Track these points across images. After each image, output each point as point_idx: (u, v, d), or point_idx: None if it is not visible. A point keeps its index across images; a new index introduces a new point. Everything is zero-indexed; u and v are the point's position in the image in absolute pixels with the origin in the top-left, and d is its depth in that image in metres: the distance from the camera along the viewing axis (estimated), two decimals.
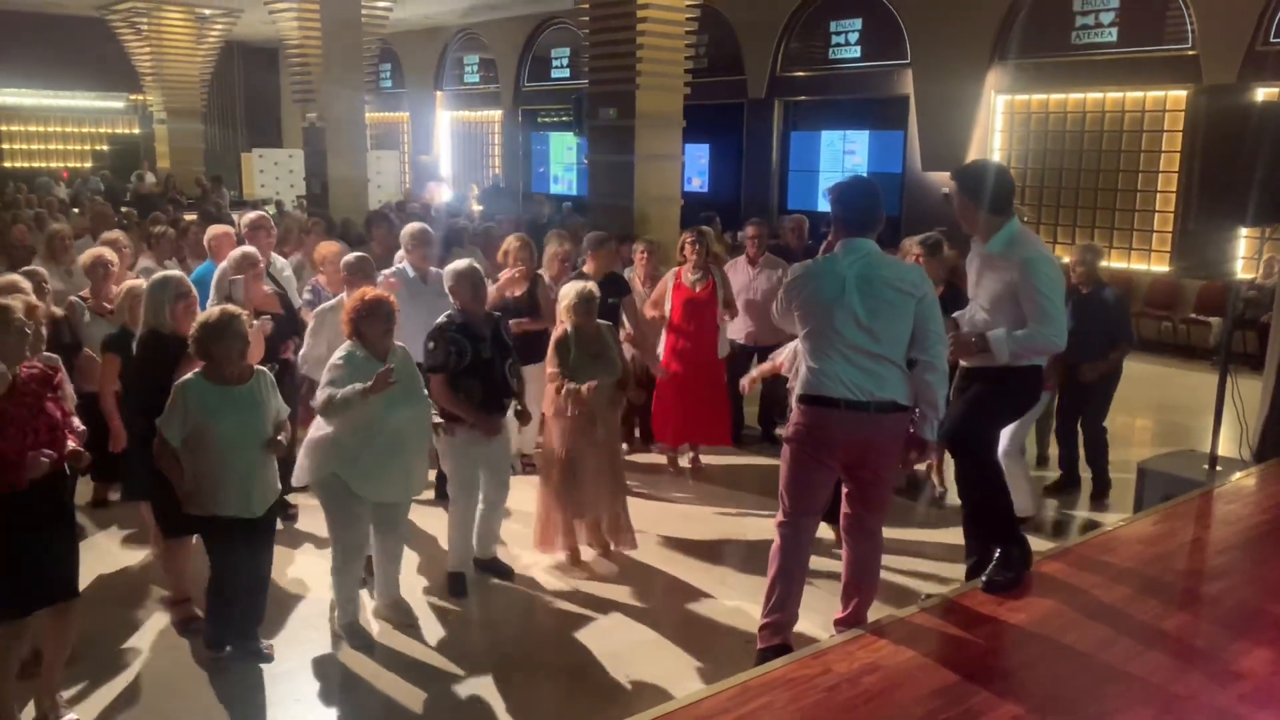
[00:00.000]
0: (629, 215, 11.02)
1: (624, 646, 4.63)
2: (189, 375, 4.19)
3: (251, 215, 6.84)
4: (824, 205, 15.63)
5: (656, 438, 7.14)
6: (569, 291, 5.44)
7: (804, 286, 3.98)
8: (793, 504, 4.05)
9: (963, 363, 4.26)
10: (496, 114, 21.86)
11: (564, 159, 20.95)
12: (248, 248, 6.01)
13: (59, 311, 5.70)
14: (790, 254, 7.97)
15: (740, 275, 7.41)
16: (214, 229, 6.99)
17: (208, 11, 19.13)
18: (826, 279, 3.92)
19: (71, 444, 3.80)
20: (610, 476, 5.53)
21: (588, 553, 5.62)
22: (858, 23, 15.28)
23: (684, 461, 7.17)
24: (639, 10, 10.68)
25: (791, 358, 5.45)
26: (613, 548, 5.63)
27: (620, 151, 11.22)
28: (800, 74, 16.17)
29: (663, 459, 7.20)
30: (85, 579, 5.14)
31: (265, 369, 4.45)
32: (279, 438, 4.30)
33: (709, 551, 5.75)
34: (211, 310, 4.23)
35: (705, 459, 7.23)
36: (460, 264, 5.24)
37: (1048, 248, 4.35)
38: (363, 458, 4.43)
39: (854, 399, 3.83)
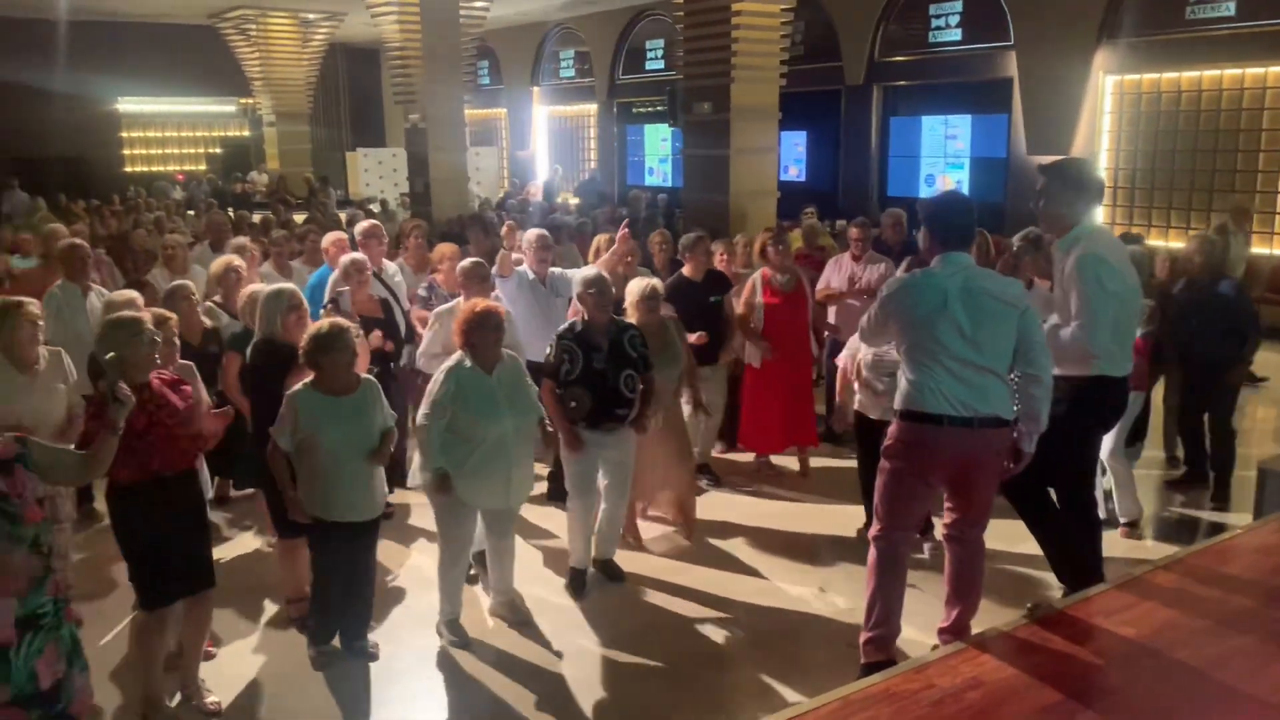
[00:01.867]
0: (724, 210, 11.02)
1: (728, 649, 4.68)
2: (299, 386, 4.36)
3: (364, 224, 7.10)
4: (926, 191, 15.47)
5: (748, 445, 7.03)
6: (634, 288, 5.59)
7: (903, 300, 3.94)
8: (889, 519, 4.03)
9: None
10: (592, 108, 22.00)
11: (658, 151, 20.98)
12: (356, 255, 6.25)
13: (209, 322, 5.97)
14: (888, 249, 7.86)
15: (844, 272, 7.31)
16: (330, 236, 7.30)
17: (312, 15, 19.70)
18: (927, 292, 3.87)
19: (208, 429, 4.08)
20: (676, 463, 5.76)
21: (649, 533, 5.84)
22: (958, 4, 14.92)
23: (775, 460, 7.13)
24: (734, 3, 10.63)
25: (851, 360, 5.47)
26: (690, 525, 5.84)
27: (715, 146, 11.21)
28: (899, 59, 15.87)
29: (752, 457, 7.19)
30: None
31: (373, 379, 4.60)
32: (385, 447, 4.43)
33: (808, 553, 5.75)
34: (322, 323, 4.38)
35: (783, 460, 7.12)
36: (588, 271, 5.32)
37: (1116, 248, 4.32)
38: (466, 465, 4.55)
39: (958, 415, 3.79)
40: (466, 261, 6.03)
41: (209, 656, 4.60)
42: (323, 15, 19.65)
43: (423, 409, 4.62)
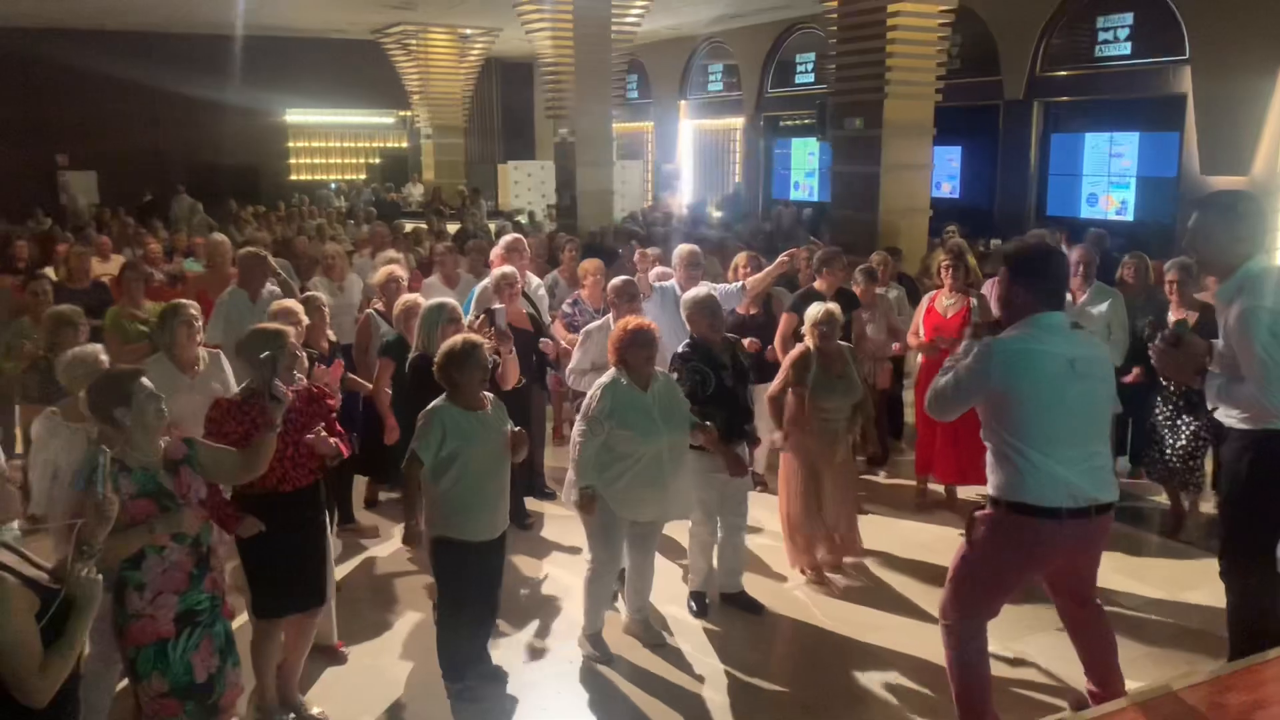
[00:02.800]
0: (872, 227, 10.76)
1: (867, 686, 4.54)
2: (439, 401, 4.34)
3: (507, 238, 7.22)
4: (1088, 211, 14.79)
5: (925, 470, 6.69)
6: (815, 312, 5.48)
7: (1015, 366, 3.46)
8: (970, 610, 3.70)
9: (1216, 411, 3.87)
10: (738, 121, 21.91)
11: (805, 165, 20.73)
12: (507, 268, 6.34)
13: (333, 336, 6.14)
14: None
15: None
16: (496, 248, 7.43)
17: (469, 31, 20.28)
18: (1046, 360, 3.45)
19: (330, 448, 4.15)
20: (848, 495, 5.60)
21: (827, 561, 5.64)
22: (1128, 17, 14.20)
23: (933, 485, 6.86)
24: (889, 19, 10.38)
25: None
26: (845, 560, 5.63)
27: (865, 162, 10.97)
28: (1063, 73, 15.21)
29: (898, 479, 6.98)
30: (353, 577, 5.62)
31: (494, 396, 4.54)
32: (520, 445, 4.40)
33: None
34: (455, 339, 4.38)
35: (937, 488, 6.81)
36: (699, 292, 5.29)
37: None
38: (622, 480, 4.54)
39: (1076, 506, 3.44)
40: (617, 280, 6.06)
41: (341, 658, 4.71)
42: (480, 31, 20.21)
43: (578, 425, 4.64)
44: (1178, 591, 5.39)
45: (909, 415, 7.88)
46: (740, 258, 6.80)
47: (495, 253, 7.23)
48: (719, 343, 5.17)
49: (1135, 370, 6.23)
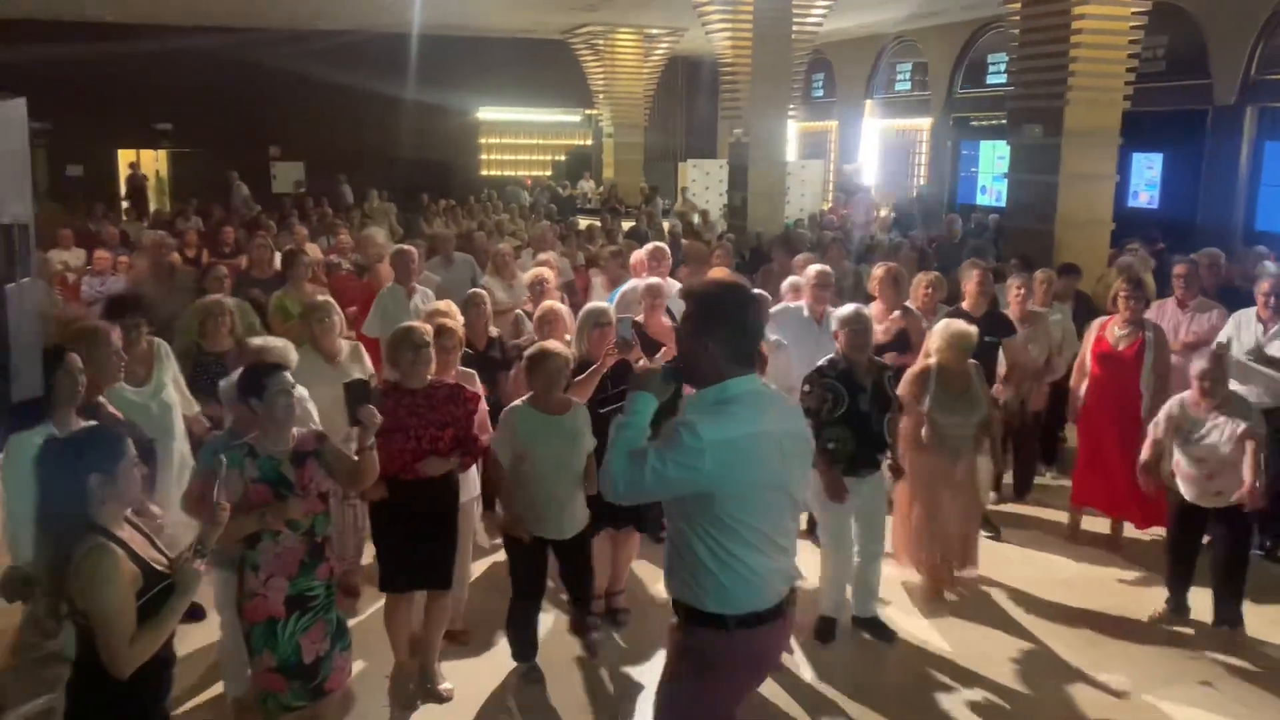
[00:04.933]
0: (1049, 240, 10.26)
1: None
2: (517, 402, 4.56)
3: (649, 246, 7.30)
4: None
5: (1081, 501, 6.38)
6: (942, 329, 5.35)
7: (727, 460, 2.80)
8: None
9: None
10: (925, 121, 21.30)
11: (993, 168, 19.93)
12: (654, 280, 6.40)
13: (495, 333, 6.36)
14: (1229, 294, 6.94)
15: (1168, 320, 6.49)
16: (637, 252, 7.54)
17: (654, 30, 20.54)
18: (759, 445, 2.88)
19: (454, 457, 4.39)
20: (967, 515, 5.45)
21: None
22: None
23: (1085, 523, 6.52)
24: (1074, 21, 9.86)
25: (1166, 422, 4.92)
26: (964, 585, 5.54)
27: (1043, 171, 10.46)
28: None
29: (1050, 507, 6.67)
30: (483, 565, 5.85)
31: (581, 403, 4.66)
32: (592, 469, 4.47)
33: (1091, 626, 5.30)
34: (535, 345, 4.58)
35: (1089, 524, 6.44)
36: (847, 310, 5.18)
37: None
38: None
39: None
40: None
41: (464, 640, 4.96)
42: (665, 30, 20.44)
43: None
44: None
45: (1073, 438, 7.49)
46: (876, 270, 6.61)
47: (636, 258, 7.32)
48: (864, 364, 5.02)
49: None
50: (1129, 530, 6.20)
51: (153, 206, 20.53)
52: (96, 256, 9.45)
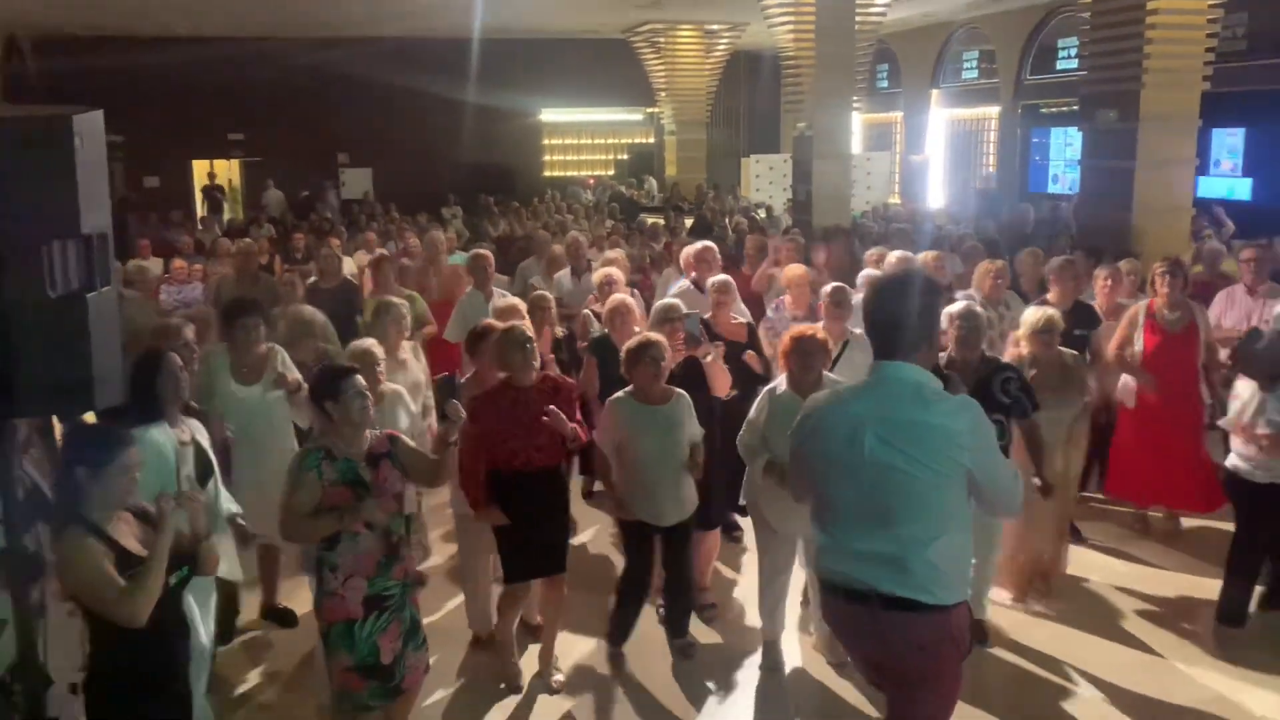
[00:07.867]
0: (1126, 228, 9.96)
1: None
2: (619, 394, 4.63)
3: (697, 246, 7.26)
4: None
5: (1115, 490, 6.34)
6: (1028, 316, 5.25)
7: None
8: None
9: None
10: (993, 110, 20.88)
11: (1064, 155, 19.46)
12: (723, 277, 6.36)
13: (560, 332, 6.41)
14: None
15: (1237, 307, 6.36)
16: (689, 249, 7.50)
17: (715, 25, 20.45)
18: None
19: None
20: (1059, 513, 5.33)
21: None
22: None
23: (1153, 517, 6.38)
24: (1149, 2, 9.56)
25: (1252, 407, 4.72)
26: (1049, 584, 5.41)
27: (1119, 156, 10.17)
28: None
29: (1119, 506, 6.50)
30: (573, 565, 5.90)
31: (683, 392, 4.72)
32: (695, 459, 4.60)
33: (1173, 622, 5.19)
34: (634, 338, 4.64)
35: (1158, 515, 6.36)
36: (957, 305, 4.99)
37: None
38: (770, 491, 4.53)
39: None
40: (829, 286, 5.96)
41: (538, 636, 4.99)
42: (726, 26, 20.33)
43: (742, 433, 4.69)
44: None
45: None
46: (924, 256, 6.50)
47: (685, 258, 7.27)
48: (972, 362, 4.78)
49: None
50: (1187, 521, 6.14)
51: (226, 216, 21.02)
52: (174, 265, 9.69)
